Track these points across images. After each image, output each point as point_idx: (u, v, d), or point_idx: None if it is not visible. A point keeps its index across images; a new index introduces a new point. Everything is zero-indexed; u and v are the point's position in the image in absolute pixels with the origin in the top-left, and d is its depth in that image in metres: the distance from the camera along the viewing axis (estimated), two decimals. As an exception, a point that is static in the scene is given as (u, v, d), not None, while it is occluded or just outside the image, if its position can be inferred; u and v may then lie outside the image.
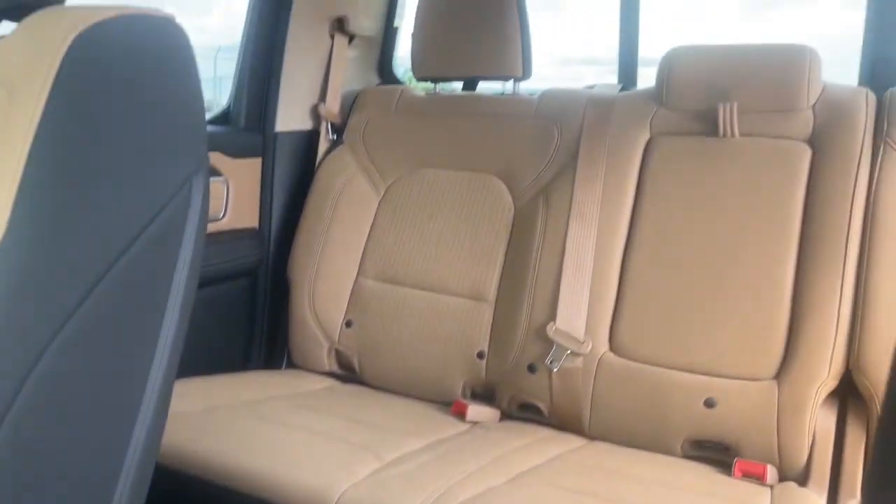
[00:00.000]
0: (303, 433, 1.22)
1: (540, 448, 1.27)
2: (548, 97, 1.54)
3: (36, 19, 0.60)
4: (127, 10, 0.60)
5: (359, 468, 1.08)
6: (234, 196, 1.59)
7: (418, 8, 1.60)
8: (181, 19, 0.63)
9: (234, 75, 1.67)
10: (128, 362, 0.56)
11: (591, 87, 1.59)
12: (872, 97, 1.28)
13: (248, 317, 1.68)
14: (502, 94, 1.63)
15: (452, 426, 1.34)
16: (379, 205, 1.60)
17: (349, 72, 1.75)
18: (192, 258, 0.62)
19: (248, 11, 1.62)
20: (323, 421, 1.29)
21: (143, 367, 0.57)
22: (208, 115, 1.71)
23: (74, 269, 0.51)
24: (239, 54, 1.66)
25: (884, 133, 1.24)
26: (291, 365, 1.64)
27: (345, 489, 1.02)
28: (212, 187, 1.48)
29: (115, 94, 0.56)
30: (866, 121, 1.25)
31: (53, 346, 0.48)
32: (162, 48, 0.61)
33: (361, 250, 1.59)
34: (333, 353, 1.58)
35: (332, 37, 1.69)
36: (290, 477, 1.05)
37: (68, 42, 0.56)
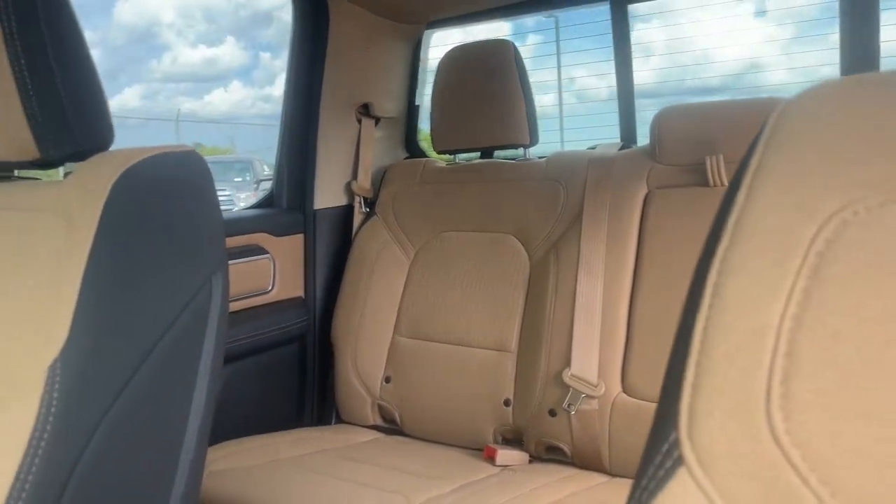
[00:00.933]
0: (345, 483, 1.36)
1: (561, 486, 1.37)
2: (554, 160, 1.68)
3: (90, 162, 0.78)
4: (156, 150, 0.77)
5: None
6: (281, 270, 1.77)
7: (434, 89, 1.78)
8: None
9: (275, 162, 1.88)
10: (164, 432, 0.72)
11: (594, 147, 1.72)
12: None
13: (300, 378, 1.84)
14: (514, 159, 1.77)
15: (483, 470, 1.46)
16: (410, 268, 1.76)
17: (378, 149, 1.93)
18: (217, 340, 0.77)
19: (283, 104, 1.83)
20: (364, 470, 1.43)
21: (178, 436, 0.72)
22: (258, 198, 1.92)
23: (119, 360, 0.67)
24: (278, 143, 1.86)
25: None
26: (340, 420, 1.79)
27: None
28: (259, 265, 1.68)
29: (149, 219, 0.73)
30: None
31: (104, 422, 0.64)
32: (185, 177, 0.78)
33: (396, 311, 1.74)
34: (376, 407, 1.73)
35: (360, 121, 1.88)
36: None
37: (112, 181, 0.73)
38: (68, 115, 0.76)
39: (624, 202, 1.52)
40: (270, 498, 1.28)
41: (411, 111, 2.04)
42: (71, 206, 0.73)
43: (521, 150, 1.77)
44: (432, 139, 1.81)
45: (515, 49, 1.69)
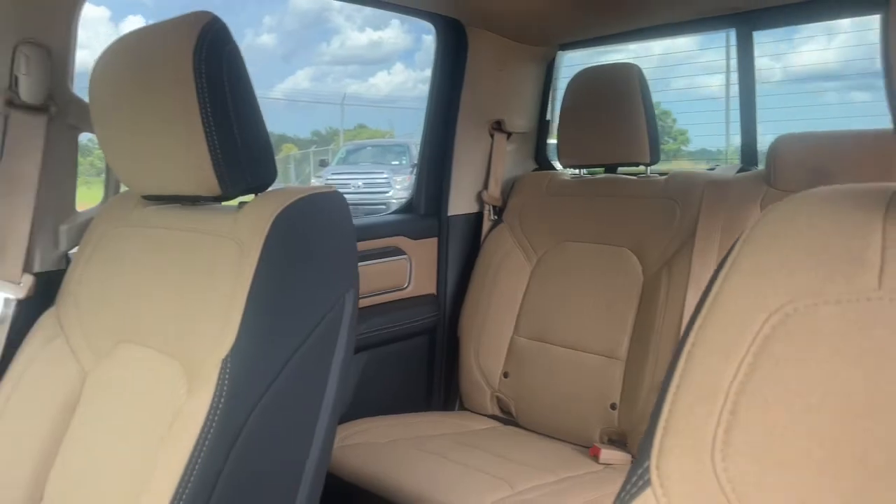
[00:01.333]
0: (457, 465, 1.54)
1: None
2: (672, 179, 1.76)
3: (258, 199, 1.00)
4: (308, 192, 0.98)
5: (491, 494, 1.38)
6: (416, 269, 1.98)
7: (562, 108, 1.90)
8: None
9: (416, 173, 2.09)
10: (304, 413, 0.92)
11: (712, 168, 1.77)
12: None
13: (429, 367, 2.05)
14: (637, 175, 1.86)
15: (586, 466, 1.59)
16: (531, 274, 1.90)
17: (509, 161, 2.09)
18: (347, 342, 0.97)
19: (424, 120, 2.03)
20: (476, 455, 1.60)
21: (314, 417, 0.92)
22: (398, 205, 2.14)
23: (272, 357, 0.87)
24: (418, 155, 2.06)
25: None
26: (463, 408, 1.98)
27: (475, 509, 1.32)
28: (397, 264, 1.90)
29: (299, 248, 0.94)
30: None
31: (259, 404, 0.85)
32: (327, 214, 0.98)
33: (516, 313, 1.90)
34: (495, 399, 1.90)
35: (492, 135, 2.04)
36: (436, 496, 1.38)
37: (274, 216, 0.94)
38: (242, 162, 0.98)
39: (736, 224, 1.58)
40: (391, 472, 1.48)
41: (542, 126, 2.17)
42: (243, 234, 0.95)
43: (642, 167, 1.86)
44: (558, 154, 1.94)
45: (640, 71, 1.77)
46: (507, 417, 1.89)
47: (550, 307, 1.84)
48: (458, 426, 1.84)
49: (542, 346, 1.82)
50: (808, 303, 0.49)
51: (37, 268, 1.27)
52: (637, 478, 0.53)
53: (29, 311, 1.20)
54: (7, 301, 1.21)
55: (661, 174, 1.83)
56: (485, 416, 1.91)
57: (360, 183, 11.18)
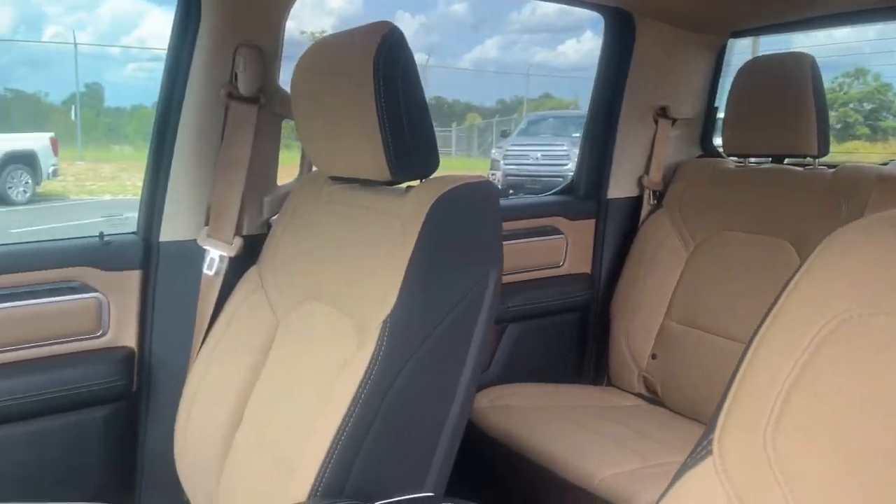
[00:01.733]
0: (595, 435, 1.65)
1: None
2: (840, 172, 1.71)
3: (421, 186, 1.15)
4: (463, 181, 1.11)
5: (624, 464, 1.48)
6: (571, 249, 2.08)
7: (729, 96, 1.90)
8: None
9: (578, 157, 2.17)
10: (447, 373, 1.07)
11: (885, 163, 1.70)
12: None
13: (580, 343, 2.15)
14: (804, 167, 1.83)
15: (724, 451, 1.63)
16: (687, 260, 1.94)
17: (672, 147, 2.11)
18: (488, 315, 1.10)
19: (589, 104, 2.10)
20: (616, 429, 1.70)
21: (456, 377, 1.07)
22: (559, 187, 2.24)
23: (423, 322, 1.03)
24: (581, 139, 2.15)
25: None
26: (610, 384, 2.07)
27: (606, 475, 1.43)
28: (554, 243, 2.02)
29: (451, 230, 1.08)
30: None
31: (410, 361, 1.01)
32: (478, 202, 1.11)
33: (669, 297, 1.94)
34: (642, 378, 1.97)
35: (657, 121, 2.08)
36: (570, 459, 1.50)
37: (433, 201, 1.09)
38: (410, 152, 1.14)
39: None
40: (531, 433, 1.62)
41: (709, 113, 2.16)
42: (406, 215, 1.11)
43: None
44: (724, 143, 1.94)
45: (813, 62, 1.73)
46: (652, 397, 1.95)
47: (704, 294, 1.87)
48: (603, 400, 1.94)
49: (692, 331, 1.86)
50: (863, 312, 0.55)
51: (245, 231, 1.52)
52: (701, 448, 0.62)
53: (237, 267, 1.45)
54: (221, 258, 1.48)
55: (830, 166, 1.79)
56: (631, 393, 1.99)
57: (538, 155, 11.23)
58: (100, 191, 12.95)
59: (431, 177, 1.17)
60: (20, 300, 1.38)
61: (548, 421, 1.70)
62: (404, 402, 1.02)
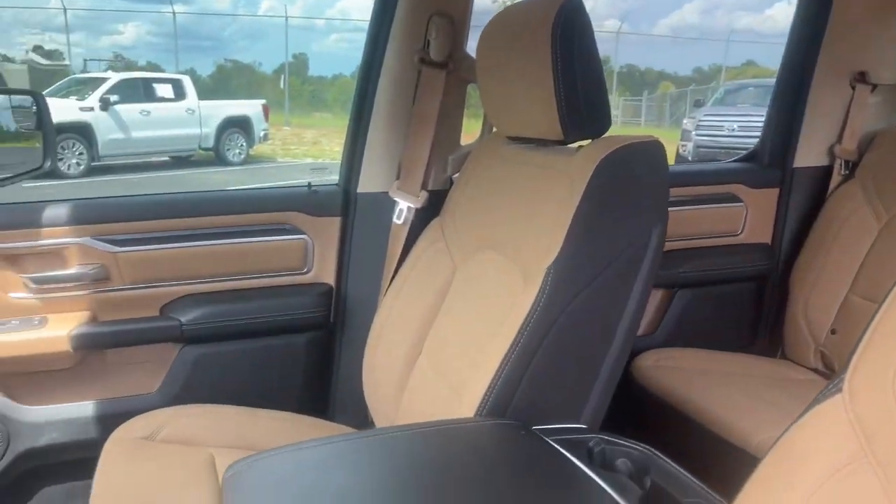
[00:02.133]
0: (760, 401, 1.64)
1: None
2: None
3: (591, 144, 1.23)
4: (631, 140, 1.18)
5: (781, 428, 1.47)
6: (751, 217, 2.04)
7: None
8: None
9: (764, 124, 2.11)
10: (602, 325, 1.14)
11: None
12: None
13: (755, 313, 2.11)
14: None
15: None
16: (879, 233, 1.84)
17: (870, 115, 1.99)
18: (649, 271, 1.16)
19: (779, 68, 2.03)
20: (783, 399, 1.68)
21: (611, 330, 1.14)
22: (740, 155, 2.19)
23: (584, 271, 1.11)
24: (769, 104, 2.08)
25: None
26: (784, 356, 2.02)
27: (765, 437, 1.43)
28: (732, 211, 2.00)
29: (616, 186, 1.15)
30: None
31: (569, 308, 1.10)
32: (645, 161, 1.17)
33: (855, 271, 1.86)
34: (819, 353, 1.91)
35: (853, 87, 1.97)
36: (730, 419, 1.52)
37: (601, 157, 1.16)
38: (582, 114, 1.22)
39: None
40: (694, 395, 1.65)
41: (916, 78, 2.01)
42: (574, 171, 1.19)
43: None
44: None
45: None
46: (829, 373, 1.89)
47: (894, 269, 1.77)
48: (775, 372, 1.91)
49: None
50: None
51: (430, 186, 1.68)
52: (833, 385, 0.66)
53: (422, 218, 1.61)
54: (409, 209, 1.64)
55: None
56: (806, 367, 1.94)
57: (734, 126, 10.64)
58: (302, 154, 14.04)
59: (603, 136, 1.24)
60: (245, 237, 1.63)
61: (711, 384, 1.72)
62: (565, 338, 1.11)
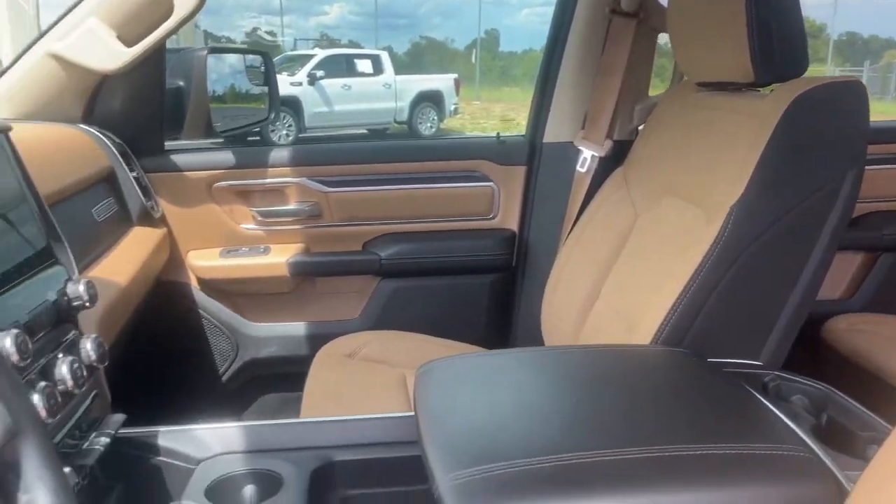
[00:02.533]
0: None
1: None
2: None
3: (784, 86, 1.20)
4: (832, 79, 1.14)
5: None
6: None
7: None
8: None
9: None
10: (787, 265, 1.12)
11: None
12: None
13: None
14: None
15: None
16: None
17: None
18: (840, 219, 1.12)
19: None
20: None
21: (796, 270, 1.12)
22: None
23: (769, 211, 1.09)
24: None
25: None
26: None
27: None
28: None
29: (810, 125, 1.12)
30: None
31: (752, 245, 1.09)
32: (841, 100, 1.13)
33: None
34: None
35: None
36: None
37: (794, 96, 1.13)
38: (776, 54, 1.19)
39: None
40: (889, 359, 1.56)
41: None
42: (765, 111, 1.18)
43: None
44: None
45: None
46: None
47: None
48: None
49: None
50: None
51: (615, 136, 1.71)
52: None
53: (605, 167, 1.65)
54: (593, 157, 1.69)
55: None
56: None
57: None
58: (491, 128, 14.28)
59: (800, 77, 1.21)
60: (438, 183, 1.77)
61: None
62: (746, 276, 1.11)
